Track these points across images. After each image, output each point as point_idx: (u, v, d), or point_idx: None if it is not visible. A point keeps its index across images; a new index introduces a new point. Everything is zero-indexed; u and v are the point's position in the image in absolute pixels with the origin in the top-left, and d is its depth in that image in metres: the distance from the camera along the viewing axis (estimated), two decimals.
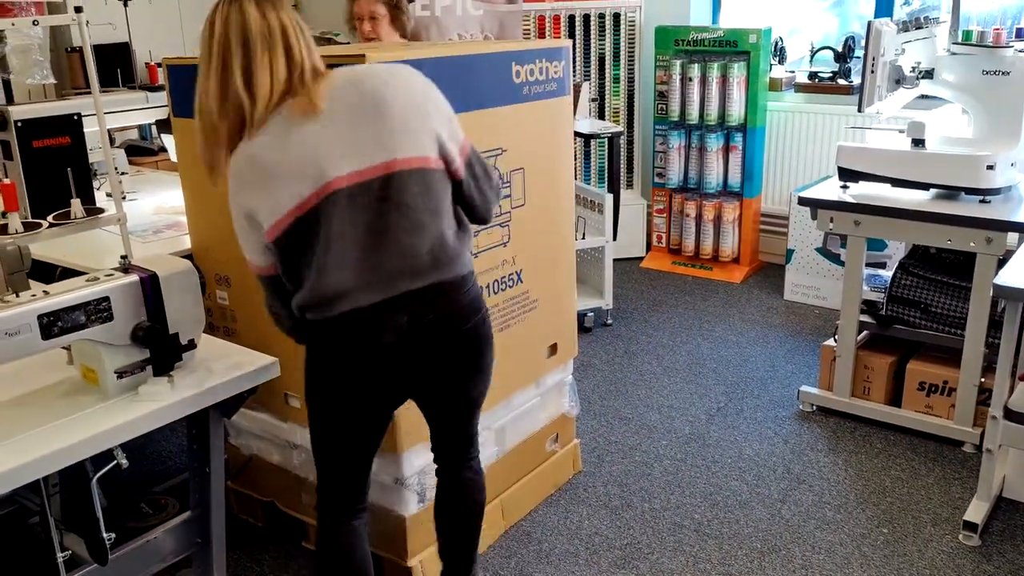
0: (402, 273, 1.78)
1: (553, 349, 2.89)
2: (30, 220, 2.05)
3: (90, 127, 2.86)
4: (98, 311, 1.77)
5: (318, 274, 1.75)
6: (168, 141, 3.10)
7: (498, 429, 2.77)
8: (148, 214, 3.04)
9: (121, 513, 2.64)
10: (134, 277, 1.84)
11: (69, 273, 2.45)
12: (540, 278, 2.75)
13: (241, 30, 1.71)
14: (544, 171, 2.70)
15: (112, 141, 3.91)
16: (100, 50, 2.08)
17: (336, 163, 1.72)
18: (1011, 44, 3.22)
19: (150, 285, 1.86)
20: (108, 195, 3.03)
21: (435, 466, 2.20)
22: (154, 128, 4.64)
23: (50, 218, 2.10)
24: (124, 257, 1.90)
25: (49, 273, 2.54)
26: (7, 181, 1.99)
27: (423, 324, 1.82)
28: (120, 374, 1.84)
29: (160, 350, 1.89)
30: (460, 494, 2.19)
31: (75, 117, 2.64)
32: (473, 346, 1.93)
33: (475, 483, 2.19)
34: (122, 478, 2.05)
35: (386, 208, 1.74)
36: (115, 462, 1.84)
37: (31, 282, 2.05)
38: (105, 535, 1.89)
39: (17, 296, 1.69)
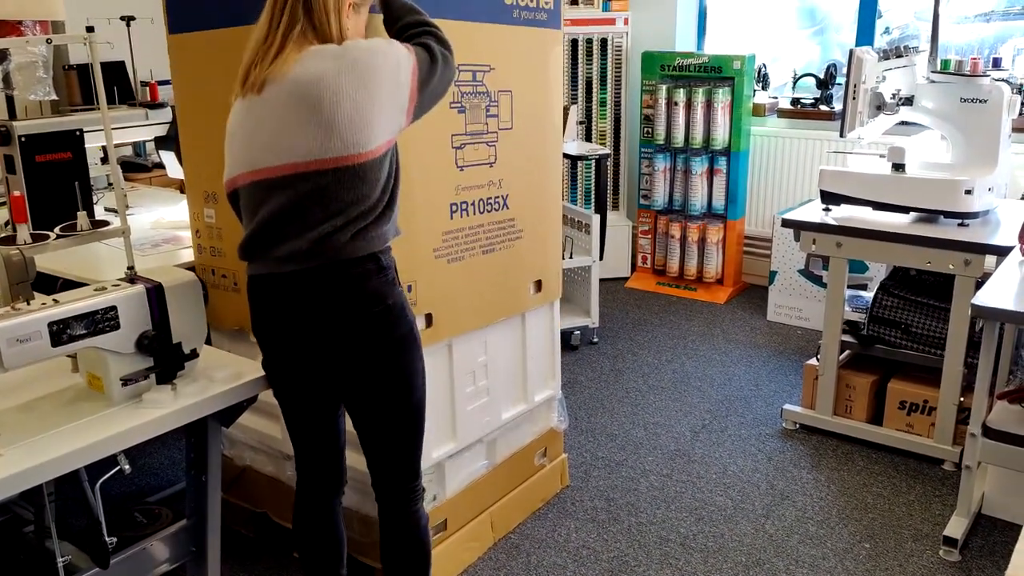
0: None
1: (538, 286, 2.89)
2: (37, 232, 2.10)
3: (89, 143, 2.92)
4: (106, 320, 1.81)
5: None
6: (166, 157, 3.15)
7: (489, 442, 2.81)
8: (146, 228, 3.09)
9: (115, 522, 2.67)
10: (140, 287, 1.88)
11: (70, 284, 2.49)
12: (526, 209, 2.75)
13: None
14: (532, 100, 2.69)
15: (107, 158, 3.95)
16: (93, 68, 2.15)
17: None
18: (988, 73, 3.32)
19: (156, 295, 1.90)
20: (107, 209, 3.08)
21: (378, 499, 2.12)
22: (147, 145, 4.71)
23: (56, 230, 2.15)
24: (131, 268, 1.94)
25: (50, 285, 2.57)
26: (17, 194, 2.03)
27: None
28: (125, 382, 1.88)
29: (164, 359, 1.93)
30: (398, 538, 2.11)
31: (77, 133, 2.68)
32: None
33: (414, 526, 2.10)
34: (115, 489, 2.08)
35: None
36: (118, 467, 1.87)
37: (34, 293, 2.09)
38: (107, 539, 1.92)
39: (28, 304, 1.74)
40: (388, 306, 1.89)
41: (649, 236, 5.51)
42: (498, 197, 2.63)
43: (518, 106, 2.64)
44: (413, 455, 2.06)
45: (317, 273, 1.84)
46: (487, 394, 2.75)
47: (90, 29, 1.92)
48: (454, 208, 2.48)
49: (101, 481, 1.91)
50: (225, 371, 2.05)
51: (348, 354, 1.90)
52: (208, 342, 2.18)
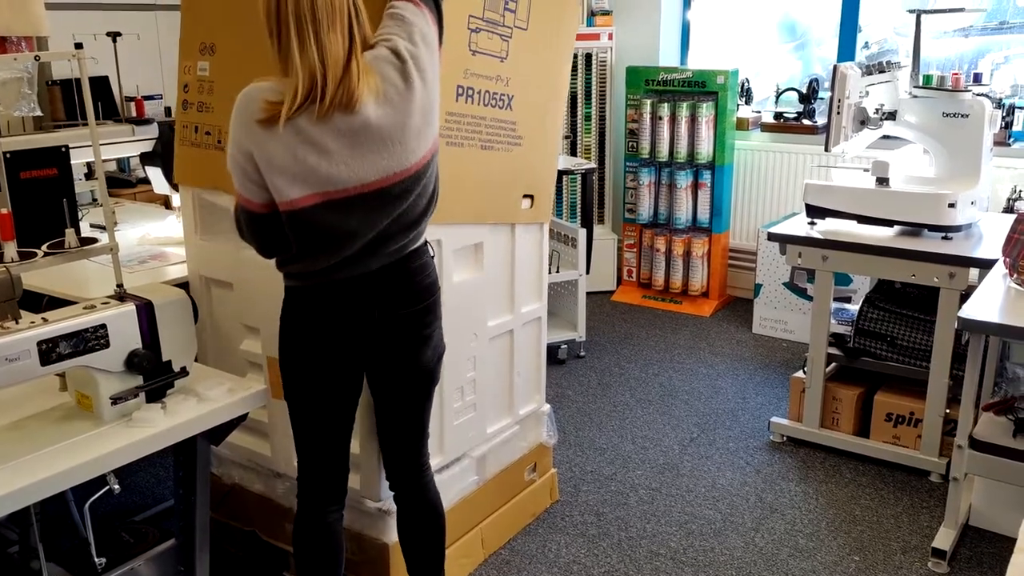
0: None
1: (531, 202, 2.83)
2: (24, 249, 2.08)
3: (73, 159, 2.90)
4: (96, 338, 1.80)
5: None
6: (152, 173, 3.14)
7: (478, 458, 2.81)
8: (132, 244, 3.07)
9: (102, 542, 2.63)
10: (130, 305, 1.87)
11: (56, 302, 2.47)
12: (529, 119, 2.69)
13: None
14: (548, 14, 2.66)
15: (91, 173, 3.93)
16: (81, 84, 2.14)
17: None
18: (969, 88, 3.36)
19: (146, 313, 1.89)
20: (92, 225, 3.06)
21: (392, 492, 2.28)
22: (132, 160, 4.68)
23: (44, 247, 2.13)
24: (120, 286, 1.93)
25: (36, 302, 2.55)
26: (3, 211, 2.01)
27: None
28: (114, 400, 1.87)
29: (154, 377, 1.92)
30: (416, 522, 2.28)
31: (63, 149, 2.67)
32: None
33: (431, 509, 2.28)
34: (100, 507, 2.06)
35: None
36: (107, 487, 1.86)
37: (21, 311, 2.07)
38: (96, 560, 1.90)
39: (16, 323, 1.72)
40: (439, 288, 2.12)
41: (634, 249, 5.53)
42: (504, 95, 2.57)
43: (535, 12, 2.60)
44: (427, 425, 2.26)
45: (397, 267, 2.01)
46: (474, 409, 2.75)
47: (79, 46, 1.92)
48: (460, 91, 2.42)
49: (90, 501, 1.89)
50: (215, 389, 2.04)
51: (405, 333, 2.06)
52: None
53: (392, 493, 2.29)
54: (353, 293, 1.97)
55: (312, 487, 2.18)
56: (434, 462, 2.60)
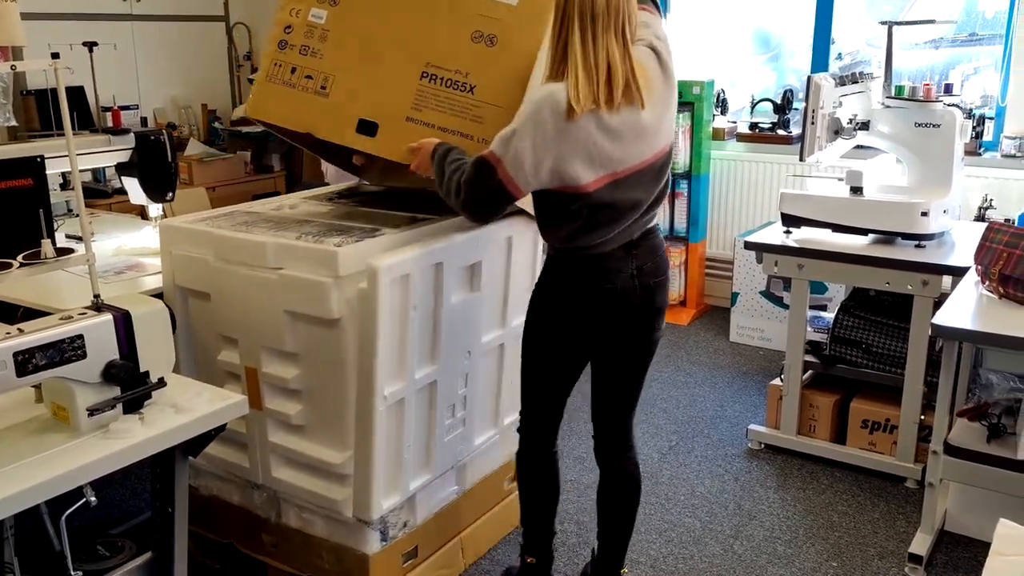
0: None
1: None
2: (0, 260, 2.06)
3: (48, 169, 2.87)
4: (72, 349, 1.78)
5: None
6: (128, 184, 3.11)
7: (459, 468, 2.80)
8: (108, 255, 3.04)
9: (77, 555, 2.60)
10: (108, 316, 1.86)
11: (32, 313, 2.44)
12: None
13: None
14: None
15: (66, 183, 3.90)
16: (57, 94, 2.10)
17: None
18: (940, 99, 3.41)
19: (123, 324, 1.87)
20: (68, 236, 3.04)
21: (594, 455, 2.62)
22: (107, 171, 4.65)
23: (20, 258, 2.11)
24: (97, 296, 1.91)
25: (10, 313, 2.53)
26: None
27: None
28: (91, 412, 1.84)
29: (131, 388, 1.90)
30: (617, 488, 2.60)
31: (38, 159, 2.64)
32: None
33: (631, 478, 2.59)
34: (75, 520, 2.04)
35: None
36: (84, 500, 1.84)
37: None
38: (72, 573, 1.88)
39: None
40: None
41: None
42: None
43: None
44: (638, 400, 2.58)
45: (649, 236, 2.35)
46: (463, 424, 2.75)
47: (55, 55, 1.90)
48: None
49: (67, 514, 1.87)
50: (193, 400, 2.02)
51: (650, 303, 2.34)
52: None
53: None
54: (616, 260, 2.28)
55: (535, 429, 2.54)
56: (422, 479, 2.60)
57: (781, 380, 3.62)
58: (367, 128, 2.52)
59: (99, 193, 4.68)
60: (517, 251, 2.80)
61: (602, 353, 2.43)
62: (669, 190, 2.36)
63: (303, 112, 2.56)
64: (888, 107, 3.47)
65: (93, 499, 1.84)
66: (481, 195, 2.19)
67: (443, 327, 2.51)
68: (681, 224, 5.27)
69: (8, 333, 1.73)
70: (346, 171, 3.02)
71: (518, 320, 2.88)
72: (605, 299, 2.29)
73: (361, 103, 2.53)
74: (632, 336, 2.37)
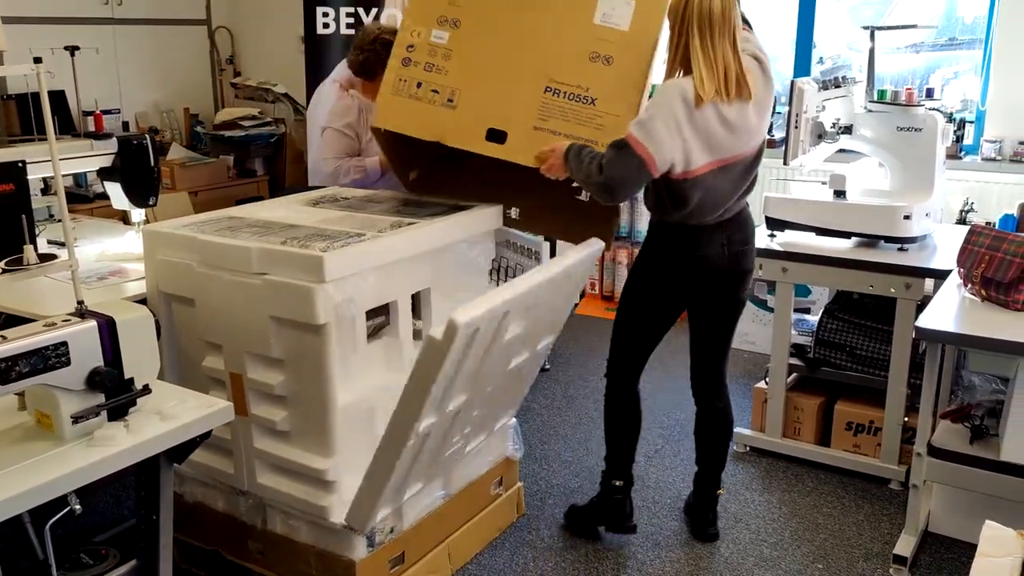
0: None
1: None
2: None
3: (29, 175, 2.85)
4: (56, 356, 1.77)
5: None
6: (111, 189, 3.09)
7: (445, 473, 2.80)
8: (91, 260, 3.02)
9: (60, 564, 2.58)
10: (92, 323, 1.84)
11: (14, 320, 2.42)
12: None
13: None
14: None
15: (48, 188, 3.87)
16: (38, 98, 2.08)
17: None
18: (922, 103, 3.44)
19: (107, 330, 1.86)
20: (50, 241, 3.01)
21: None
22: (88, 176, 4.62)
23: (2, 264, 2.09)
24: (80, 302, 1.90)
25: None
26: None
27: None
28: (75, 419, 1.83)
29: (116, 395, 1.89)
30: (711, 422, 3.01)
31: (20, 164, 2.62)
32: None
33: (724, 413, 3.00)
34: (58, 528, 2.02)
35: None
36: (68, 508, 1.82)
37: None
38: None
39: None
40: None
41: (597, 262, 5.54)
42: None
43: None
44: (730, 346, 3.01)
45: (742, 213, 2.78)
46: (465, 440, 2.73)
47: (37, 60, 1.89)
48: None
49: (51, 522, 1.85)
50: (178, 406, 2.00)
51: (741, 266, 2.77)
52: None
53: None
54: (709, 232, 2.68)
55: (625, 372, 2.93)
56: (413, 489, 2.58)
57: (766, 383, 3.63)
58: (496, 136, 2.72)
59: (81, 198, 4.64)
60: (565, 285, 2.74)
61: (697, 309, 2.85)
62: (755, 181, 2.76)
63: (430, 122, 2.76)
64: (870, 111, 3.49)
65: (78, 507, 1.83)
66: (622, 172, 2.46)
67: (486, 364, 2.44)
68: None
69: None
70: (401, 181, 3.15)
71: (545, 342, 2.87)
72: (698, 264, 2.71)
73: (489, 114, 2.72)
74: (722, 295, 2.79)
